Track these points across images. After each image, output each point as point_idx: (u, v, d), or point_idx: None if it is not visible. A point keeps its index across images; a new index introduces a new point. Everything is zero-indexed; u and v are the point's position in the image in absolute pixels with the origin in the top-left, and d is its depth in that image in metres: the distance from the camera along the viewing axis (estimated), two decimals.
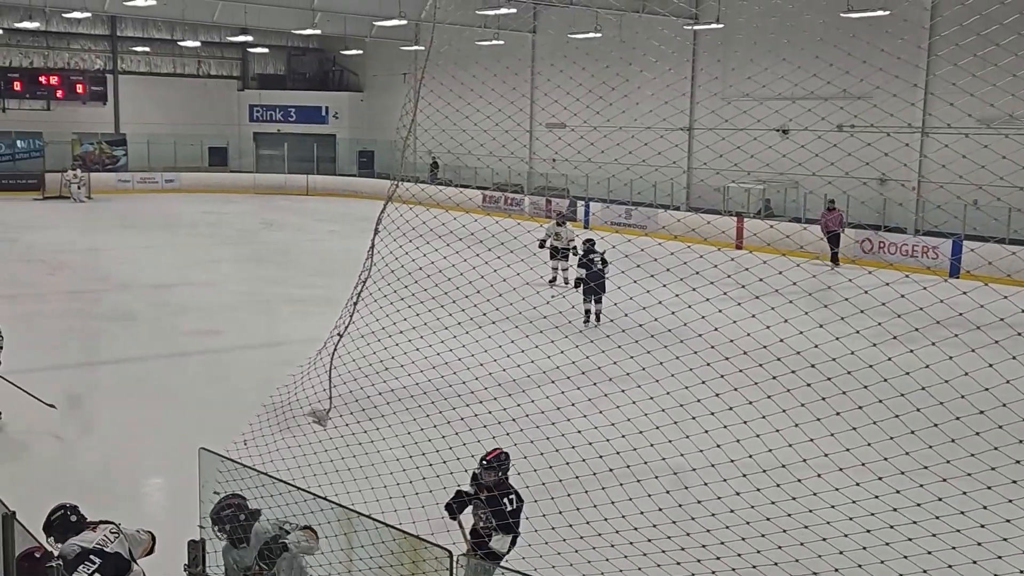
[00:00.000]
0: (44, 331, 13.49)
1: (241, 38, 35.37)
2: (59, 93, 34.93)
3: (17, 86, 34.41)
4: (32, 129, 34.41)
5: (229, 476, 4.95)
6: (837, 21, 19.59)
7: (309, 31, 30.79)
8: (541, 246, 16.23)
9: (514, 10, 26.70)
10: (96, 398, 10.64)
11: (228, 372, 11.75)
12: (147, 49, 37.64)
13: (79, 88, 35.39)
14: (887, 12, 18.92)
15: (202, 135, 37.47)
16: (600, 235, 15.55)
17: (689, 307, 5.73)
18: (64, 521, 4.92)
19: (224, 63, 40.00)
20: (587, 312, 13.86)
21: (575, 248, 16.23)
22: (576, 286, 14.34)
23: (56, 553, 4.71)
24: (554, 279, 16.63)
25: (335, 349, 6.34)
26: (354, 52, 38.14)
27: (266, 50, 39.28)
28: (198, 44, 36.80)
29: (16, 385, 8.96)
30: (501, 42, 29.62)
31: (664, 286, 6.17)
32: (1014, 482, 4.46)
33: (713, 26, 24.51)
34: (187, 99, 37.89)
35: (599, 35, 25.22)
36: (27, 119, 34.56)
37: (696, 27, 25.52)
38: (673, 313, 5.96)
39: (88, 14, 28.07)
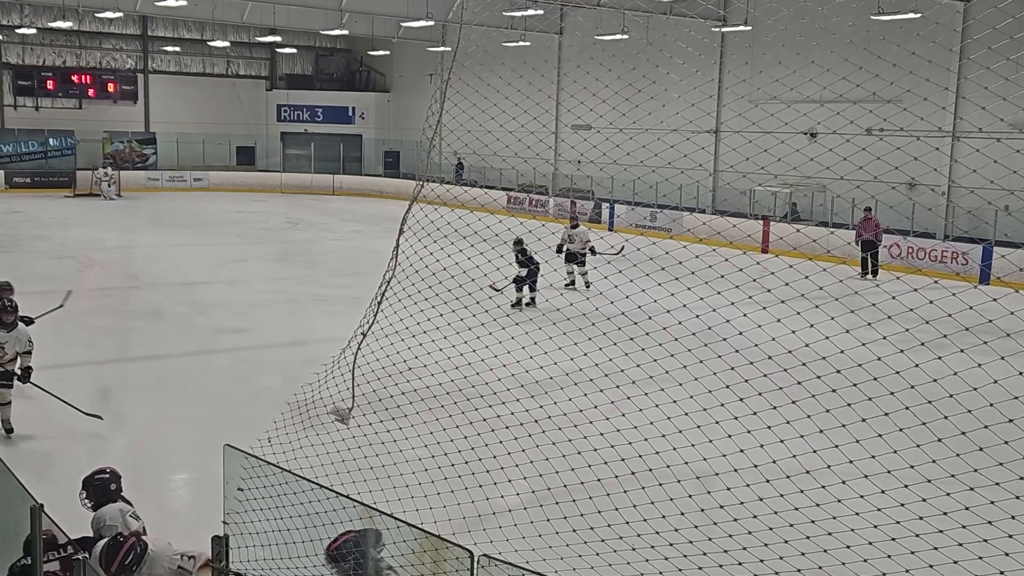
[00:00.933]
0: (74, 328, 13.65)
1: (270, 38, 35.69)
2: (91, 92, 35.42)
3: (50, 85, 34.94)
4: (64, 127, 34.94)
5: (253, 473, 4.99)
6: (867, 24, 19.40)
7: (337, 32, 30.96)
8: (559, 251, 16.23)
9: (541, 12, 26.71)
10: (124, 394, 10.76)
11: (253, 370, 11.84)
12: (177, 49, 38.05)
13: (110, 87, 35.88)
14: (918, 15, 18.72)
15: (230, 134, 37.81)
16: (625, 237, 15.50)
17: (714, 311, 5.69)
18: (104, 485, 5.19)
19: (253, 63, 40.33)
20: (519, 300, 14.25)
21: (592, 249, 16.20)
22: (514, 281, 14.38)
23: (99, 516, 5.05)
24: (572, 283, 16.52)
25: (359, 348, 6.37)
26: (381, 53, 38.31)
27: (294, 50, 39.58)
28: (227, 44, 37.11)
29: (62, 399, 9.00)
30: (527, 43, 29.62)
31: (689, 289, 6.14)
32: None
33: (741, 28, 24.36)
34: (216, 98, 38.24)
35: (626, 37, 25.14)
36: (59, 117, 35.09)
37: (724, 29, 25.38)
38: (698, 316, 5.92)
39: (120, 14, 28.44)
